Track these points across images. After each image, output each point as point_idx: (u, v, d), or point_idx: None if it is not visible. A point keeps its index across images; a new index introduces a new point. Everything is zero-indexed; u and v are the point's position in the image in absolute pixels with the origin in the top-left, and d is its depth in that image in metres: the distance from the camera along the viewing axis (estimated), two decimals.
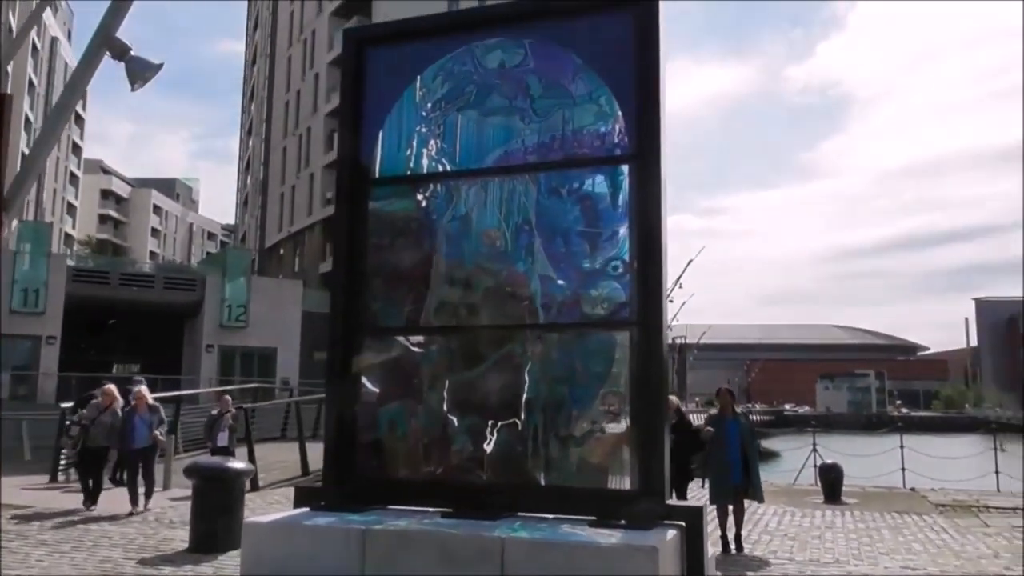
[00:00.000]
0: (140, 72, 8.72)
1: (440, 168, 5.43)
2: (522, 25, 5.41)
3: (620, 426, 4.82)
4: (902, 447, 16.20)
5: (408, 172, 5.51)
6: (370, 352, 5.44)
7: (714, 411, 7.99)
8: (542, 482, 4.93)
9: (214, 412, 12.78)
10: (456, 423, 5.16)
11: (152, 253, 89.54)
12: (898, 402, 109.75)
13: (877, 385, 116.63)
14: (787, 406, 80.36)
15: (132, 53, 8.61)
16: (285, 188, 50.50)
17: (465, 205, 5.34)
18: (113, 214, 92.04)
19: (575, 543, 4.13)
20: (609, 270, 4.95)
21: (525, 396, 5.03)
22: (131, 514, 9.72)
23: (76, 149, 74.64)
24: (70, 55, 73.00)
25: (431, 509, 5.04)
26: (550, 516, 4.81)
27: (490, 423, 5.08)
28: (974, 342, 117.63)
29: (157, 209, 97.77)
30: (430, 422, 5.22)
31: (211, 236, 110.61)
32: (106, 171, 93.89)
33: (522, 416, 5.02)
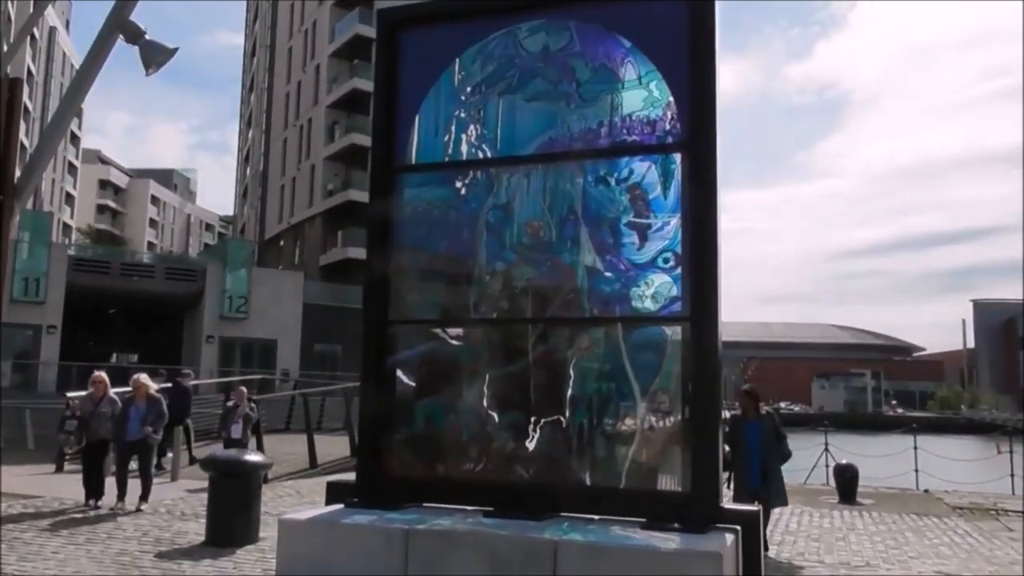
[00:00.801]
0: (154, 56, 8.47)
1: (480, 155, 5.23)
2: (567, 6, 5.20)
3: (671, 425, 4.64)
4: (916, 448, 16.05)
5: (446, 159, 5.31)
6: (406, 345, 5.24)
7: (732, 414, 7.67)
8: (587, 482, 4.74)
9: (229, 403, 12.60)
10: (497, 419, 4.97)
11: (150, 244, 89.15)
12: (894, 402, 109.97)
13: (873, 385, 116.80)
14: (782, 404, 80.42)
15: (147, 37, 8.41)
16: (285, 179, 50.18)
17: (507, 193, 5.14)
18: (111, 204, 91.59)
19: (632, 547, 3.94)
20: (660, 262, 4.76)
21: (570, 392, 4.85)
22: (113, 510, 9.26)
23: (74, 139, 74.22)
24: (68, 45, 72.54)
25: (470, 508, 4.86)
26: (596, 517, 4.63)
27: (532, 420, 4.89)
28: (971, 344, 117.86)
29: (155, 200, 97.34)
30: (469, 418, 5.03)
31: (209, 227, 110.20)
32: (104, 161, 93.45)
33: (567, 413, 4.83)
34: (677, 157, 4.81)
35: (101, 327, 37.21)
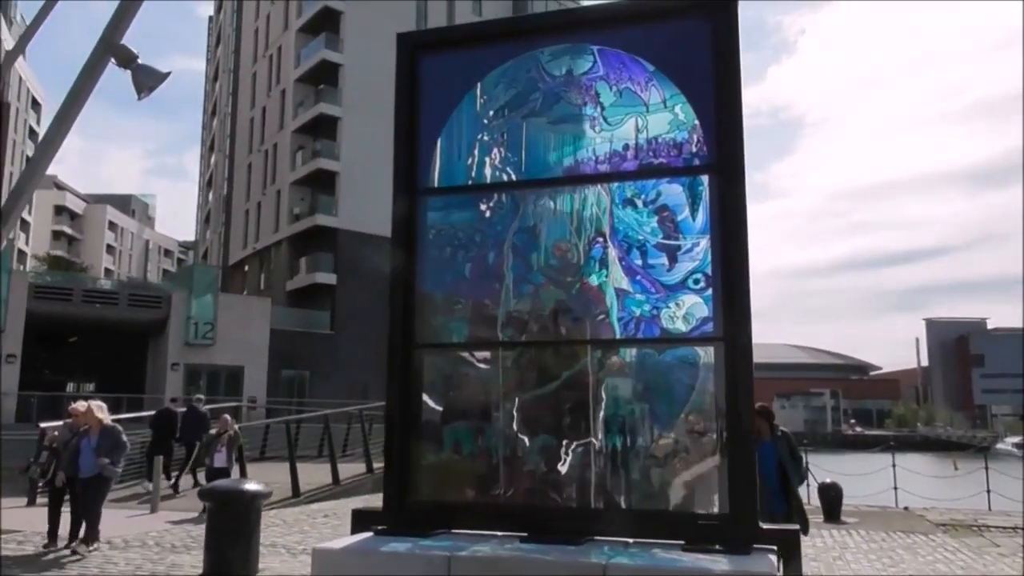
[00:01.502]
0: (146, 81, 8.37)
1: (504, 178, 5.24)
2: (589, 31, 5.26)
3: (705, 445, 4.64)
4: (894, 466, 16.29)
5: (469, 181, 5.30)
6: (432, 369, 5.19)
7: None
8: (622, 505, 4.71)
9: (212, 431, 12.36)
10: (527, 443, 4.93)
11: (107, 270, 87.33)
12: (852, 421, 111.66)
13: (832, 404, 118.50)
14: None
15: (139, 61, 8.27)
16: (250, 204, 49.66)
17: (533, 216, 5.14)
18: (67, 230, 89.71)
19: (683, 570, 3.93)
20: (690, 283, 4.79)
21: (602, 415, 4.83)
22: (69, 547, 8.82)
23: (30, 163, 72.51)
24: (26, 70, 71.21)
25: (499, 533, 4.80)
26: (631, 541, 4.61)
27: (564, 443, 4.86)
28: (924, 362, 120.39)
29: (112, 225, 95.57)
30: (499, 442, 4.99)
31: (167, 253, 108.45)
32: (60, 187, 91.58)
33: (599, 436, 4.81)
34: (705, 179, 4.87)
35: (62, 355, 36.26)
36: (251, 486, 7.98)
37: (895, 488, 15.81)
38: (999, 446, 64.93)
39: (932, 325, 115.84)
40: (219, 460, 11.50)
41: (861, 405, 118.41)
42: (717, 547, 4.32)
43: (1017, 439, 69.07)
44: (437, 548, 4.37)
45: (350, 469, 16.47)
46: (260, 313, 35.56)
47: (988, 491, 15.49)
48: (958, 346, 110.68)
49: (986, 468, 15.91)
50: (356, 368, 37.07)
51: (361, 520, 5.09)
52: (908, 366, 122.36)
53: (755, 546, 4.35)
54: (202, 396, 15.61)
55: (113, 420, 9.34)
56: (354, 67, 42.84)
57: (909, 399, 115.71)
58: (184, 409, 13.99)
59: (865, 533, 11.47)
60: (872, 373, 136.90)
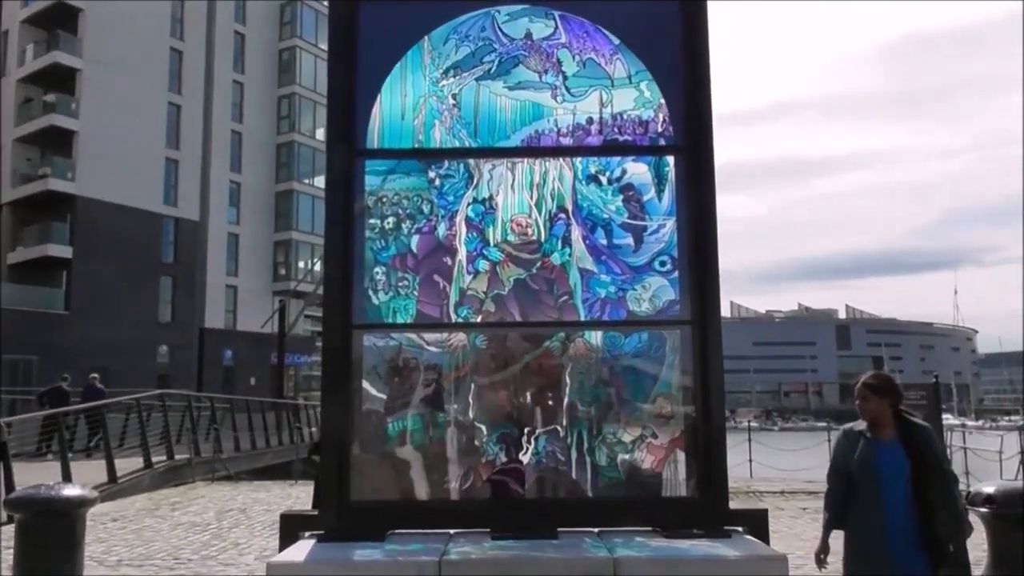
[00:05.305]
0: None
1: (457, 144, 4.79)
2: None
3: (675, 429, 4.58)
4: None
5: (416, 145, 4.79)
6: (375, 353, 4.63)
7: (851, 424, 4.20)
8: (590, 493, 4.52)
9: None
10: (486, 432, 4.56)
11: None
12: None
13: None
14: None
15: None
16: None
17: (489, 187, 4.75)
18: None
19: (701, 558, 3.81)
20: (656, 265, 4.69)
21: (566, 400, 4.59)
22: None
23: None
24: None
25: (453, 531, 4.40)
26: (595, 530, 4.44)
27: (526, 431, 4.56)
28: None
29: None
30: (453, 432, 4.56)
31: None
32: None
33: (563, 422, 4.57)
34: (671, 160, 4.79)
35: None
36: (73, 491, 6.72)
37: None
38: None
39: None
40: None
41: None
42: (694, 531, 4.28)
43: None
44: (420, 552, 3.89)
45: (124, 465, 14.63)
46: None
47: (751, 460, 17.28)
48: None
49: None
50: (96, 352, 33.21)
51: (292, 526, 4.43)
52: None
53: (728, 528, 4.37)
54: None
55: None
56: (99, 13, 38.09)
57: None
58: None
59: None
60: None
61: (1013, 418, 75.52)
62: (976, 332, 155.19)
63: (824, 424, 49.93)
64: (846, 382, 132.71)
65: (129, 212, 37.94)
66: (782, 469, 17.66)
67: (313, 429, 24.54)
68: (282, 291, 44.37)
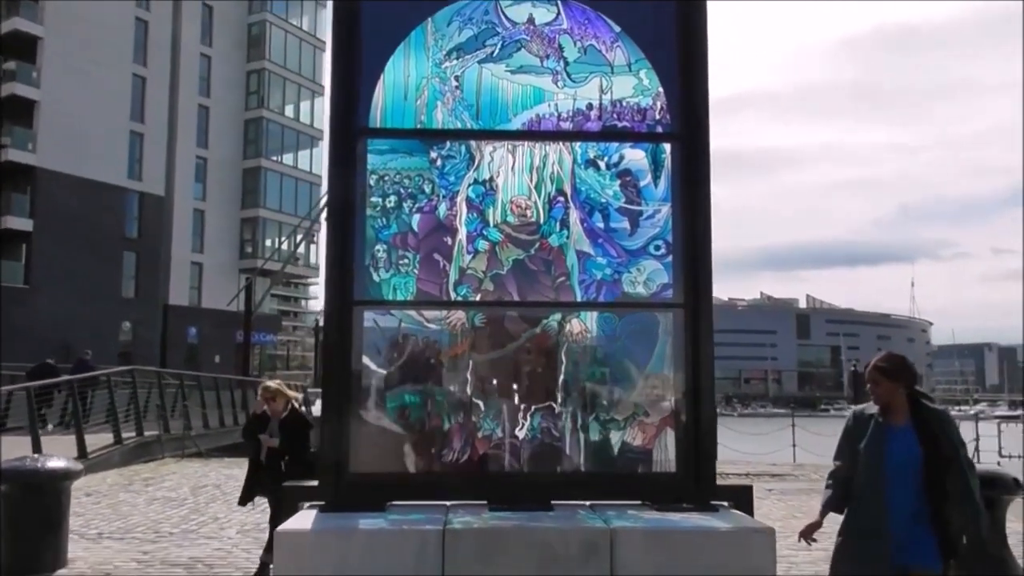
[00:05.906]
0: None
1: (459, 125, 4.87)
2: None
3: (665, 408, 4.74)
4: None
5: (419, 125, 4.86)
6: (375, 330, 4.71)
7: (862, 407, 3.95)
8: (583, 468, 4.67)
9: None
10: (483, 407, 4.68)
11: None
12: None
13: None
14: None
15: None
16: None
17: (489, 169, 4.84)
18: None
19: (692, 529, 3.99)
20: (651, 249, 4.82)
21: (561, 378, 4.73)
22: None
23: None
24: None
25: (449, 503, 4.52)
26: (587, 503, 4.59)
27: (522, 407, 4.69)
28: None
29: None
30: (451, 407, 4.68)
31: None
32: None
33: (558, 399, 4.71)
34: (667, 147, 4.92)
35: None
36: (57, 463, 6.73)
37: None
38: None
39: None
40: None
41: None
42: (684, 504, 4.46)
43: None
44: (423, 522, 4.01)
45: (93, 441, 14.50)
46: None
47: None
48: None
49: None
50: (57, 328, 32.67)
51: (293, 497, 4.52)
52: None
53: (715, 502, 4.55)
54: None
55: None
56: None
57: None
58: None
59: None
60: None
61: (963, 408, 77.65)
62: (931, 324, 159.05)
63: (785, 411, 50.89)
64: (805, 370, 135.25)
65: (92, 186, 37.22)
66: (745, 452, 18.05)
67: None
68: (249, 269, 43.87)
